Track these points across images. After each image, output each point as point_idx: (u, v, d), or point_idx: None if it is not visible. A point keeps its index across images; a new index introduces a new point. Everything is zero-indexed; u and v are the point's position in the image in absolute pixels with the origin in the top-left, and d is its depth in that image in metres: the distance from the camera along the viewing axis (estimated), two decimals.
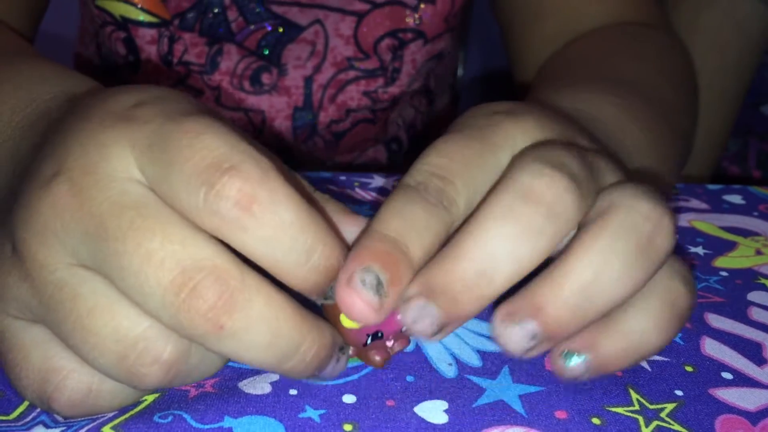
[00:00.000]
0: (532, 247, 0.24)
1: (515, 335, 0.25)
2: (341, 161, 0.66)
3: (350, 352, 0.28)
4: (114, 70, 0.61)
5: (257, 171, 0.23)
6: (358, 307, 0.24)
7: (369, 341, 0.28)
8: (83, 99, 0.28)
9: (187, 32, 0.58)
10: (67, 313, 0.23)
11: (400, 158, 0.68)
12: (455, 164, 0.26)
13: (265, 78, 0.60)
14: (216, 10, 0.57)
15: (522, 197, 0.24)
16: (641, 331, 0.26)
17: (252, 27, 0.58)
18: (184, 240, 0.23)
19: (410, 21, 0.61)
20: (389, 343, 0.28)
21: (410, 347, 0.31)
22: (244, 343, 0.23)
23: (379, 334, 0.28)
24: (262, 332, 0.23)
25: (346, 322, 0.27)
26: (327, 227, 0.24)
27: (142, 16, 0.57)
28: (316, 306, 0.26)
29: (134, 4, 0.57)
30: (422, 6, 0.61)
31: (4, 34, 0.44)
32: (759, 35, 0.70)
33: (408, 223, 0.25)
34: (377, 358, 0.28)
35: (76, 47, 0.68)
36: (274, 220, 0.23)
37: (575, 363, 0.26)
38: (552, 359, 0.26)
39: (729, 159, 0.82)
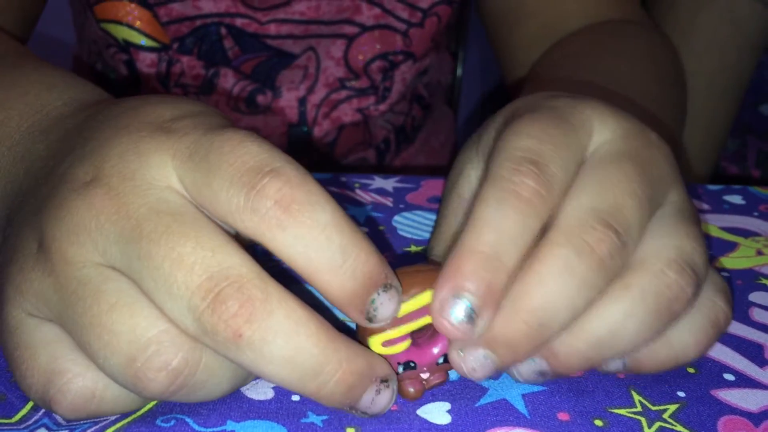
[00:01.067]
0: (585, 297, 0.25)
1: (525, 367, 0.27)
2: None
3: None
4: (116, 81, 0.61)
5: (297, 174, 0.24)
6: (453, 334, 0.25)
7: (401, 370, 0.27)
8: (106, 109, 0.28)
9: (185, 56, 0.59)
10: (86, 308, 0.24)
11: (388, 157, 0.68)
12: (545, 146, 0.26)
13: (260, 99, 0.61)
14: (213, 38, 0.58)
15: (578, 253, 0.25)
16: (683, 345, 0.28)
17: (247, 56, 0.59)
18: (215, 248, 0.23)
19: (400, 44, 0.61)
20: (424, 375, 0.28)
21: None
22: (262, 355, 0.23)
23: (412, 364, 0.27)
24: (281, 345, 0.23)
25: (375, 347, 0.26)
26: (363, 234, 0.25)
27: (143, 40, 0.58)
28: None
29: (136, 29, 0.58)
30: (411, 30, 0.61)
31: (2, 38, 0.43)
32: (757, 35, 0.70)
33: (503, 233, 0.25)
34: (411, 390, 0.28)
35: (76, 50, 0.68)
36: (310, 220, 0.24)
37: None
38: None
39: (728, 158, 0.82)
